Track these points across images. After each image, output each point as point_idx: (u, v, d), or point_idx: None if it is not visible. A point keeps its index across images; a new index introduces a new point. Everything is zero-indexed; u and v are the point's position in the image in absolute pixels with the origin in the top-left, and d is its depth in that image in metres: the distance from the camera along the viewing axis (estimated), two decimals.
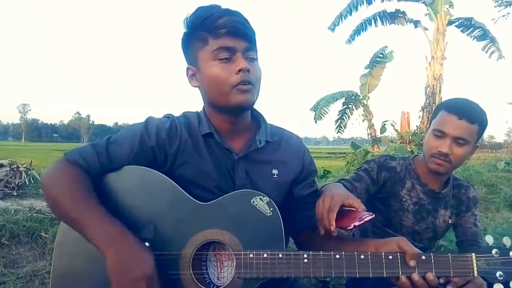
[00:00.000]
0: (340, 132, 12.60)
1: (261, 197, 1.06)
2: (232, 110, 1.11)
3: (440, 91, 10.68)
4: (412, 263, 0.99)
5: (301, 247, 1.28)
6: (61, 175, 1.04)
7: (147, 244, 1.00)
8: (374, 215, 1.05)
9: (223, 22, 1.06)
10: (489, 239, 1.03)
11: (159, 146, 1.12)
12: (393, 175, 1.58)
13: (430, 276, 0.98)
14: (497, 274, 0.98)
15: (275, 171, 1.18)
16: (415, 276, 0.98)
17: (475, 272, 0.98)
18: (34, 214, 1.99)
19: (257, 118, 1.23)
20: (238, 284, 1.02)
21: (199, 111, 1.22)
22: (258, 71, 1.12)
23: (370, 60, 11.88)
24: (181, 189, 1.07)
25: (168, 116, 1.19)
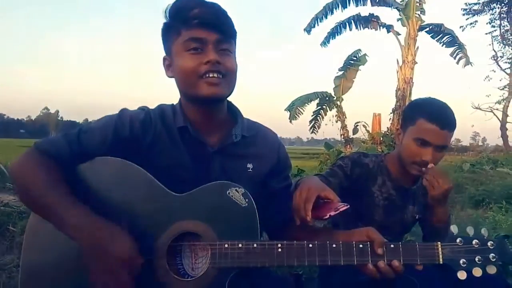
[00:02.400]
0: (314, 132, 12.78)
1: (237, 188, 1.07)
2: (203, 101, 1.11)
3: (410, 94, 11.01)
4: (379, 251, 1.03)
5: (273, 238, 1.30)
6: (31, 164, 1.02)
7: None
8: (348, 206, 1.09)
9: (195, 13, 1.06)
10: (454, 229, 1.08)
11: (133, 136, 1.11)
12: (366, 172, 1.63)
13: (396, 263, 1.02)
14: (461, 261, 1.03)
15: (249, 165, 1.20)
16: (381, 263, 1.02)
17: (441, 260, 1.03)
18: (2, 208, 1.93)
19: (234, 113, 1.24)
20: (213, 274, 1.02)
21: (174, 104, 1.22)
22: (231, 62, 1.12)
23: (344, 63, 12.11)
24: (156, 180, 1.07)
25: (142, 108, 1.19)
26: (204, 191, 1.08)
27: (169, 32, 1.13)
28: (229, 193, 1.07)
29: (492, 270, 1.02)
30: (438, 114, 1.50)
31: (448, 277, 1.14)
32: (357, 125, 11.44)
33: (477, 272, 1.02)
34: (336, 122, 11.97)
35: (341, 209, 1.06)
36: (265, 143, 1.25)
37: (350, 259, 1.03)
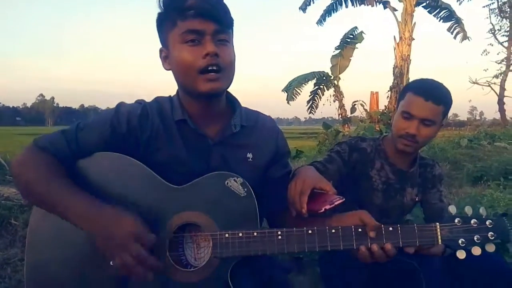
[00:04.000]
0: (312, 113, 12.75)
1: (235, 178, 1.08)
2: (202, 96, 1.10)
3: (407, 72, 10.94)
4: (372, 234, 1.03)
5: (273, 226, 1.31)
6: (31, 161, 1.03)
7: None
8: (344, 199, 1.09)
9: (191, 3, 1.03)
10: (452, 209, 1.08)
11: (130, 132, 1.10)
12: (364, 156, 1.64)
13: (388, 246, 1.03)
14: (460, 241, 1.04)
15: (249, 155, 1.19)
16: (375, 247, 1.03)
17: (439, 240, 1.04)
18: (3, 202, 1.93)
19: (232, 102, 1.23)
20: (215, 263, 1.04)
21: (172, 96, 1.21)
22: (230, 54, 1.09)
23: (341, 41, 11.97)
24: (155, 174, 1.07)
25: (139, 102, 1.17)
26: (202, 182, 1.08)
27: (164, 23, 1.10)
28: (227, 183, 1.07)
29: (491, 248, 1.04)
30: (424, 87, 1.51)
31: (448, 258, 1.16)
32: (355, 104, 11.42)
33: (476, 250, 1.04)
34: (334, 101, 11.93)
35: (336, 203, 1.06)
36: (264, 132, 1.25)
37: (349, 243, 1.04)
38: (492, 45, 24.72)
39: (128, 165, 1.08)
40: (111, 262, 1.00)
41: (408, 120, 1.51)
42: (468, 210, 1.07)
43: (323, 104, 12.27)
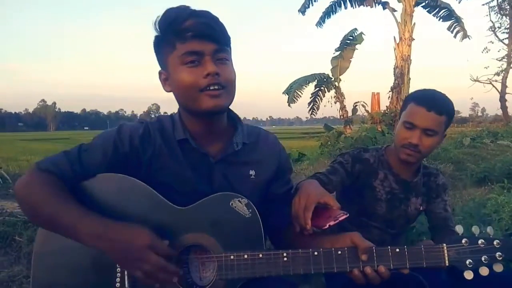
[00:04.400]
0: (313, 114, 12.74)
1: (240, 199, 1.07)
2: (204, 114, 1.10)
3: (408, 72, 10.92)
4: (364, 257, 1.02)
5: (276, 243, 1.31)
6: (35, 184, 1.02)
7: None
8: (348, 215, 1.09)
9: (189, 25, 1.03)
10: (459, 229, 1.08)
11: (133, 152, 1.10)
12: (367, 167, 1.63)
13: (382, 269, 1.02)
14: (467, 262, 1.03)
15: (252, 172, 1.19)
16: (368, 269, 1.02)
17: (446, 262, 1.03)
18: (6, 218, 1.91)
19: (233, 120, 1.23)
20: (221, 285, 1.03)
21: (173, 114, 1.21)
22: (230, 72, 1.10)
23: (341, 43, 11.95)
24: (159, 195, 1.07)
25: (141, 122, 1.17)
26: (207, 204, 1.08)
27: (162, 45, 1.10)
28: (232, 204, 1.07)
29: (499, 268, 1.03)
30: (426, 98, 1.51)
31: (456, 274, 1.15)
32: (356, 105, 11.41)
33: (484, 271, 1.03)
34: (335, 103, 11.92)
35: (340, 219, 1.06)
36: (266, 148, 1.24)
37: (356, 265, 1.03)
38: (492, 43, 24.63)
39: (132, 186, 1.08)
40: (116, 284, 1.01)
41: (410, 130, 1.51)
42: (476, 230, 1.07)
43: (324, 106, 12.28)
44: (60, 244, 1.03)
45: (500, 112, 25.34)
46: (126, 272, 1.02)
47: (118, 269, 1.02)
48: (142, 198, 1.07)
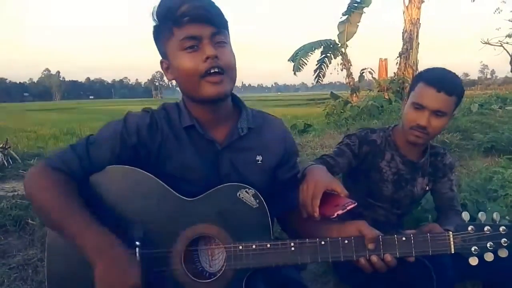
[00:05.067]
0: (319, 82, 12.55)
1: (247, 189, 1.08)
2: (207, 102, 1.10)
3: (417, 36, 10.61)
4: (370, 246, 1.04)
5: (284, 226, 1.33)
6: (44, 184, 1.01)
7: (137, 243, 1.02)
8: (356, 203, 1.09)
9: (185, 10, 1.02)
10: (465, 216, 1.08)
11: (141, 143, 1.10)
12: (374, 148, 1.63)
13: (388, 257, 1.04)
14: (472, 249, 1.04)
15: (259, 157, 1.19)
16: (374, 258, 1.04)
17: (452, 249, 1.05)
18: (19, 201, 1.94)
19: (238, 104, 1.22)
20: (230, 275, 1.06)
21: (178, 102, 1.20)
22: (230, 55, 1.09)
23: (348, 6, 11.56)
24: (167, 186, 1.07)
25: (147, 111, 1.17)
26: (215, 195, 1.08)
27: (161, 34, 1.09)
28: (239, 194, 1.08)
29: (504, 253, 1.04)
30: (436, 78, 1.48)
31: (461, 259, 1.17)
32: (363, 72, 11.19)
33: (488, 257, 1.04)
34: (342, 70, 11.71)
35: (348, 208, 1.07)
36: (271, 133, 1.24)
37: (362, 254, 1.05)
38: (505, 2, 23.75)
39: (141, 178, 1.08)
40: None
41: (419, 111, 1.49)
42: (482, 216, 1.07)
43: (331, 73, 12.06)
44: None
45: (510, 75, 24.86)
46: None
47: None
48: (150, 190, 1.08)
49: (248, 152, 1.18)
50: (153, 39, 1.13)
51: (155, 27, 1.10)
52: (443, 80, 1.47)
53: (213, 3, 1.08)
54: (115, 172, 1.08)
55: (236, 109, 1.21)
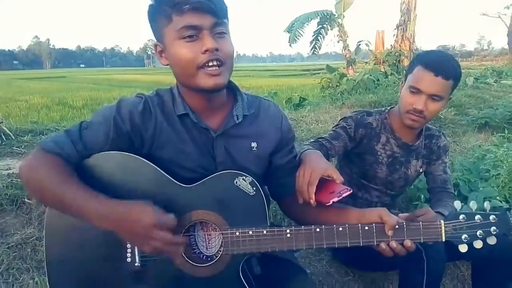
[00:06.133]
0: (315, 53, 12.39)
1: (244, 177, 1.09)
2: (203, 91, 1.08)
3: (415, 8, 10.40)
4: (390, 233, 1.07)
5: (285, 211, 1.35)
6: (41, 165, 1.03)
7: None
8: (351, 191, 1.11)
9: None
10: (457, 205, 1.11)
11: (134, 130, 1.10)
12: (369, 131, 1.63)
13: (408, 243, 1.07)
14: (463, 237, 1.07)
15: (254, 144, 1.19)
16: (393, 244, 1.07)
17: (443, 237, 1.08)
18: (14, 180, 1.93)
19: (233, 91, 1.21)
20: (227, 259, 1.09)
21: (172, 88, 1.19)
22: (229, 47, 1.06)
23: None
24: (164, 173, 1.08)
25: (140, 96, 1.15)
26: (212, 182, 1.09)
27: (158, 16, 1.05)
28: (236, 182, 1.09)
29: (492, 241, 1.07)
30: (434, 62, 1.47)
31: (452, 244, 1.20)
32: (360, 44, 11.04)
33: (478, 244, 1.07)
34: (338, 42, 11.52)
35: (344, 195, 1.09)
36: (267, 119, 1.23)
37: (356, 241, 1.08)
38: None
39: (136, 165, 1.08)
40: (127, 259, 1.07)
41: (415, 94, 1.49)
42: (473, 205, 1.10)
43: (327, 45, 11.90)
44: (71, 219, 1.05)
45: (507, 47, 24.70)
46: (136, 250, 1.06)
47: (128, 248, 1.07)
48: (146, 177, 1.08)
49: (243, 139, 1.18)
50: (147, 17, 1.09)
51: (151, 6, 1.06)
52: (440, 64, 1.46)
53: None
54: (110, 158, 1.08)
55: (231, 96, 1.20)
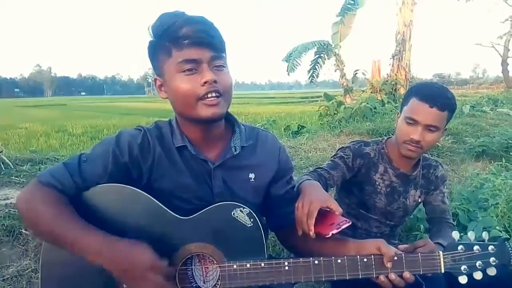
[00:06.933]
0: (313, 82, 12.59)
1: (241, 208, 1.09)
2: (202, 122, 1.10)
3: (410, 38, 10.70)
4: (389, 264, 1.06)
5: (283, 242, 1.34)
6: (37, 198, 1.02)
7: None
8: (350, 222, 1.11)
9: (186, 32, 1.02)
10: (455, 235, 1.10)
11: (133, 162, 1.10)
12: (367, 161, 1.64)
13: (407, 274, 1.06)
14: (462, 268, 1.06)
15: (251, 175, 1.20)
16: (392, 276, 1.06)
17: (442, 269, 1.07)
18: (12, 210, 1.91)
19: (231, 122, 1.23)
20: None
21: (171, 120, 1.20)
22: (227, 79, 1.09)
23: (342, 7, 11.62)
24: (161, 205, 1.08)
25: (139, 129, 1.17)
26: (209, 214, 1.09)
27: (158, 51, 1.08)
28: (233, 213, 1.09)
29: (492, 272, 1.06)
30: (429, 93, 1.50)
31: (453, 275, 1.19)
32: (356, 73, 11.25)
33: (477, 275, 1.06)
34: (335, 71, 11.75)
35: (343, 227, 1.09)
36: (265, 150, 1.24)
37: (355, 273, 1.07)
38: (497, 3, 24.00)
39: (133, 197, 1.08)
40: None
41: (412, 125, 1.51)
42: (471, 235, 1.10)
43: (324, 74, 12.10)
44: (66, 253, 1.04)
45: (501, 75, 25.12)
46: None
47: None
48: (143, 209, 1.08)
49: (241, 171, 1.19)
50: (147, 53, 1.12)
51: (151, 42, 1.09)
52: (435, 96, 1.49)
53: (214, 26, 1.08)
54: (106, 190, 1.08)
55: (229, 127, 1.22)
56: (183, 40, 1.02)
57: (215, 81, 1.04)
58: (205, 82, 1.03)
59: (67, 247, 1.00)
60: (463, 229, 2.11)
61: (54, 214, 1.00)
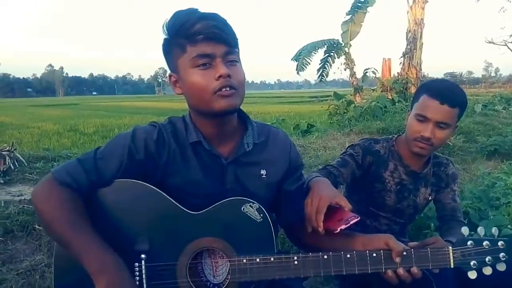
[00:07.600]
0: (323, 81, 12.53)
1: (251, 204, 1.10)
2: (217, 115, 1.11)
3: (421, 36, 10.59)
4: (397, 259, 1.07)
5: (291, 237, 1.35)
6: (52, 199, 1.03)
7: (143, 256, 1.05)
8: (359, 218, 1.11)
9: (199, 28, 1.04)
10: (465, 231, 1.10)
11: (149, 159, 1.12)
12: (377, 159, 1.64)
13: (415, 270, 1.07)
14: (471, 263, 1.06)
15: (263, 172, 1.21)
16: (401, 271, 1.07)
17: (452, 264, 1.07)
18: (25, 206, 1.95)
19: (244, 119, 1.24)
20: (234, 287, 1.08)
21: (185, 116, 1.22)
22: (241, 73, 1.11)
23: (352, 6, 11.54)
24: (173, 200, 1.09)
25: (154, 125, 1.18)
26: (219, 209, 1.10)
27: (172, 48, 1.10)
28: (243, 209, 1.10)
29: (502, 267, 1.06)
30: (439, 90, 1.49)
31: (461, 271, 1.18)
32: (366, 72, 11.17)
33: (487, 271, 1.06)
34: (345, 70, 11.68)
35: (351, 222, 1.09)
36: (276, 147, 1.26)
37: (364, 268, 1.07)
38: (510, 1, 23.58)
39: (146, 192, 1.10)
40: None
41: (423, 122, 1.51)
42: (481, 231, 1.09)
43: (334, 73, 12.04)
44: None
45: None
46: (144, 276, 1.07)
47: (137, 273, 1.07)
48: (156, 204, 1.10)
49: (253, 167, 1.20)
50: (162, 50, 1.14)
51: (165, 40, 1.11)
52: (446, 92, 1.48)
53: (227, 22, 1.10)
54: (121, 186, 1.10)
55: (241, 124, 1.23)
56: (197, 36, 1.04)
57: (229, 75, 1.05)
58: (220, 76, 1.04)
59: (72, 253, 1.00)
60: (474, 228, 2.09)
61: (66, 219, 1.00)
